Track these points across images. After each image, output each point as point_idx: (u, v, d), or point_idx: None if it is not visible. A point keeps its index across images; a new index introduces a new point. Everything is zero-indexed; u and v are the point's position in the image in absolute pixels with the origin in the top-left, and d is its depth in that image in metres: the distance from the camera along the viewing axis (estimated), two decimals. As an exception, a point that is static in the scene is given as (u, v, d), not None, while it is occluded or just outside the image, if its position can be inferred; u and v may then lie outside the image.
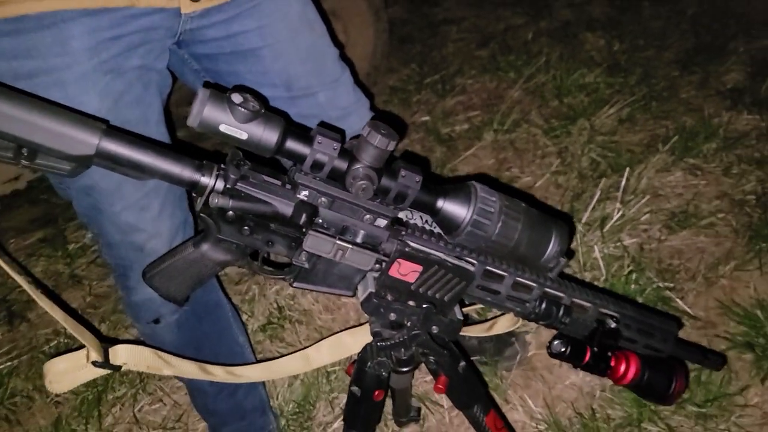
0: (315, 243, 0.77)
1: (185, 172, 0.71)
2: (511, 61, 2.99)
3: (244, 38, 1.02)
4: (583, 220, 1.93)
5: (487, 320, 1.19)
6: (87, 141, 0.66)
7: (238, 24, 1.01)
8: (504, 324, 1.12)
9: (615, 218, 1.90)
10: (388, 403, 1.26)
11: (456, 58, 3.20)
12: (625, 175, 2.04)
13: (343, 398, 1.57)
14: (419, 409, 1.36)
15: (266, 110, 0.69)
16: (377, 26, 2.93)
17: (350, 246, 0.78)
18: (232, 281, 2.00)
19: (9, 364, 1.83)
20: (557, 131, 2.43)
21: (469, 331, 1.16)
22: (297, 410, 1.59)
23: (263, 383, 1.51)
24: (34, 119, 0.63)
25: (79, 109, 0.72)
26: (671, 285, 1.74)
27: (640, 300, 1.67)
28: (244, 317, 1.82)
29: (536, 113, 2.59)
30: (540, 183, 2.21)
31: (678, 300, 1.71)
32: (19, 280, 0.80)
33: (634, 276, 1.72)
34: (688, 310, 1.68)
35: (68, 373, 0.91)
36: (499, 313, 1.09)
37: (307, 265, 0.81)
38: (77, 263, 2.17)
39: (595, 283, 1.74)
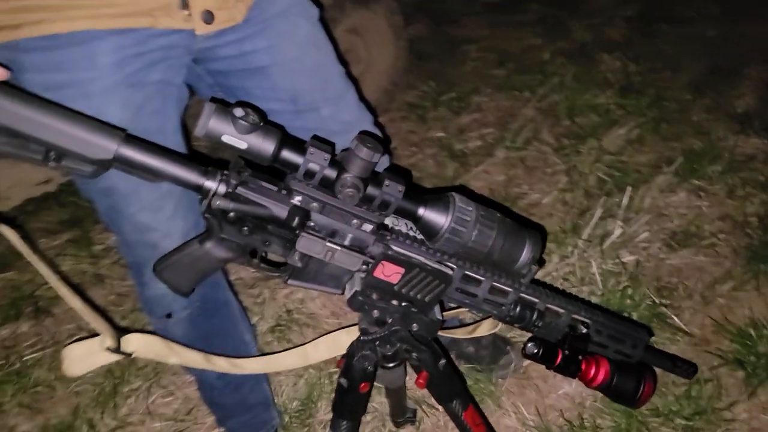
0: (307, 244, 0.85)
1: (192, 177, 0.79)
2: (527, 80, 3.07)
3: (255, 57, 1.12)
4: (584, 237, 1.99)
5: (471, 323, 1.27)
6: (107, 147, 0.75)
7: (250, 44, 1.10)
8: (486, 327, 1.19)
9: (615, 235, 1.96)
10: (386, 403, 1.33)
11: (473, 77, 3.28)
12: (627, 193, 2.09)
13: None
14: (415, 411, 1.42)
15: (265, 123, 0.77)
16: (397, 44, 3.03)
17: (339, 248, 0.86)
18: (246, 285, 2.10)
19: (34, 355, 1.94)
20: (567, 150, 2.50)
21: (454, 333, 1.23)
22: (300, 408, 1.67)
23: (268, 381, 1.59)
24: (62, 126, 0.73)
25: (102, 119, 0.81)
26: (667, 302, 1.79)
27: (634, 315, 1.72)
28: (255, 319, 1.91)
29: (548, 132, 2.66)
30: (547, 200, 2.27)
31: (674, 317, 1.76)
32: (40, 268, 0.89)
33: (629, 291, 1.77)
34: (683, 326, 1.73)
35: (84, 357, 0.99)
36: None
37: (300, 265, 0.89)
38: (101, 263, 2.28)
39: (592, 297, 1.80)
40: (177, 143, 1.11)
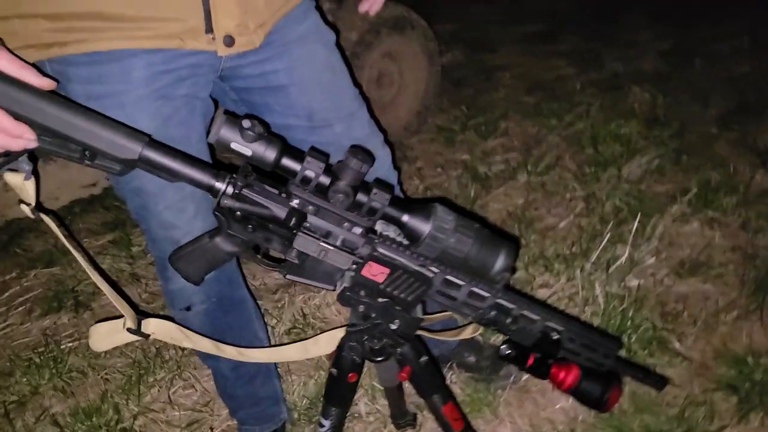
0: (303, 243, 0.96)
1: (204, 178, 0.91)
2: (555, 108, 3.15)
3: (275, 76, 1.24)
4: (592, 260, 2.05)
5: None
6: (133, 149, 0.88)
7: (270, 64, 1.22)
8: (470, 330, 1.27)
9: (621, 260, 2.02)
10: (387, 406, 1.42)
11: (504, 103, 3.38)
12: (637, 219, 2.15)
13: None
14: (415, 415, 1.51)
15: (268, 134, 0.89)
16: (430, 70, 3.15)
17: (331, 247, 0.97)
18: (269, 290, 2.22)
19: (71, 344, 2.09)
20: (587, 177, 2.57)
21: (441, 335, 1.32)
22: (309, 406, 1.77)
23: (279, 378, 1.69)
24: (95, 130, 0.86)
25: (133, 126, 0.94)
26: (670, 327, 1.84)
27: (633, 337, 1.78)
28: (273, 321, 2.03)
29: (570, 158, 2.73)
30: (563, 224, 2.34)
31: (675, 342, 1.80)
32: (76, 254, 1.02)
33: (630, 314, 1.83)
34: (683, 351, 1.77)
35: (108, 335, 1.12)
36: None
37: (297, 261, 1.00)
38: (138, 264, 2.44)
39: (593, 318, 1.86)
40: (201, 151, 1.24)
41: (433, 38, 3.10)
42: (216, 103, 1.31)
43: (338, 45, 1.36)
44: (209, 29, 1.06)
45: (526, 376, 1.75)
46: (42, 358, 2.02)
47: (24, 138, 0.84)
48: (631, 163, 2.59)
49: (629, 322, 1.81)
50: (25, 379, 1.96)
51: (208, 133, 1.28)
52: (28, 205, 0.97)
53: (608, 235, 2.16)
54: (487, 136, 3.04)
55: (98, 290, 2.31)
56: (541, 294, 1.99)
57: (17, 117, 0.84)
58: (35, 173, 0.96)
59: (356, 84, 1.41)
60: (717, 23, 4.02)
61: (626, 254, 2.05)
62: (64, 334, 2.14)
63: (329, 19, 2.58)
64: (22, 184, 0.94)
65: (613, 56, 3.74)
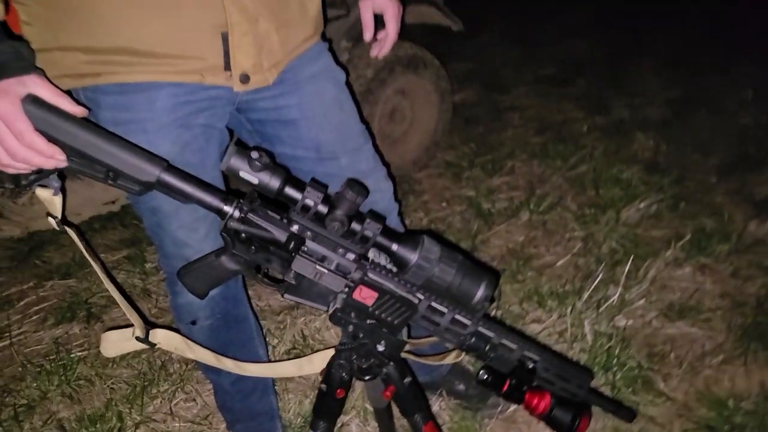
0: (301, 265, 1.05)
1: (214, 201, 1.01)
2: (560, 150, 3.25)
3: (287, 111, 1.35)
4: (584, 298, 2.12)
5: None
6: (152, 172, 0.98)
7: (283, 99, 1.33)
8: (452, 356, 1.35)
9: (611, 300, 2.09)
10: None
11: (512, 142, 3.48)
12: (629, 262, 2.23)
13: (344, 419, 1.82)
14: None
15: (274, 164, 0.99)
16: (442, 107, 3.27)
17: (326, 271, 1.06)
18: (273, 312, 2.31)
19: (80, 353, 2.18)
20: (587, 218, 2.65)
21: (425, 360, 1.39)
22: (303, 424, 1.84)
23: (276, 395, 1.77)
24: (119, 153, 0.96)
25: (154, 151, 1.05)
26: (656, 367, 1.90)
27: (618, 375, 1.84)
28: (274, 341, 2.11)
29: (572, 199, 2.81)
30: (561, 263, 2.42)
31: (660, 382, 1.86)
32: (93, 265, 1.12)
33: (616, 352, 1.89)
34: (667, 392, 1.83)
35: (118, 342, 1.22)
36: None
37: (294, 282, 1.09)
38: (150, 280, 2.55)
39: (581, 354, 1.92)
40: (215, 177, 1.34)
41: (445, 77, 3.22)
42: (231, 132, 1.42)
43: (348, 84, 1.47)
44: (227, 67, 1.17)
45: (513, 407, 1.82)
46: (52, 365, 2.12)
47: (56, 158, 0.95)
48: (630, 207, 2.67)
49: (615, 360, 1.87)
50: (35, 385, 2.05)
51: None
52: (54, 218, 1.06)
53: (601, 276, 2.23)
54: (493, 174, 3.13)
55: (110, 303, 2.42)
56: (533, 329, 2.06)
57: (51, 139, 0.95)
58: (63, 190, 1.07)
59: (363, 120, 1.52)
60: (725, 75, 4.12)
61: (617, 295, 2.12)
62: (74, 343, 2.24)
63: (346, 57, 2.72)
64: (51, 198, 1.04)
65: (620, 102, 3.84)
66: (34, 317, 2.38)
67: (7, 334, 2.29)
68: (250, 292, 1.60)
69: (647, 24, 5.44)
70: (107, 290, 2.32)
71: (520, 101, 4.10)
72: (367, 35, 1.55)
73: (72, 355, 2.17)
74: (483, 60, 4.93)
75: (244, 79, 1.20)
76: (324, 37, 1.44)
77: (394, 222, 1.61)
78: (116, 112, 1.19)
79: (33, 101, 0.94)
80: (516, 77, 4.53)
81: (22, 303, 2.47)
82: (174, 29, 1.11)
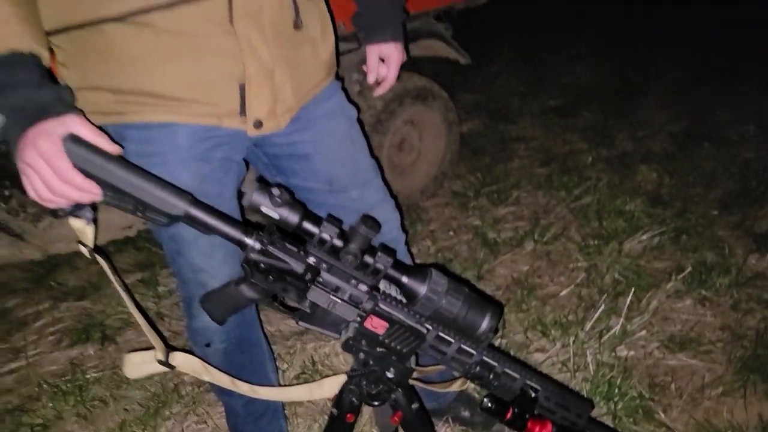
0: (316, 295, 1.12)
1: (236, 234, 1.08)
2: (565, 181, 3.31)
3: (301, 146, 1.42)
4: (586, 329, 2.17)
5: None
6: (179, 206, 1.05)
7: (298, 136, 1.40)
8: (458, 384, 1.41)
9: (614, 331, 2.14)
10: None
11: (518, 172, 3.55)
12: (630, 293, 2.28)
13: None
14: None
15: (293, 201, 1.06)
16: (449, 138, 3.35)
17: (340, 300, 1.12)
18: (283, 337, 2.37)
19: (95, 375, 2.24)
20: (590, 249, 2.70)
21: (432, 387, 1.44)
22: (311, 449, 1.89)
23: (286, 419, 1.82)
24: (151, 189, 1.03)
25: (174, 182, 1.12)
26: (657, 398, 1.95)
27: (620, 405, 1.88)
28: (284, 366, 2.17)
29: (576, 230, 2.87)
30: (564, 293, 2.47)
31: (661, 413, 1.90)
32: (120, 291, 1.18)
33: (618, 382, 1.94)
34: (667, 422, 1.87)
35: (139, 364, 1.27)
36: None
37: (309, 311, 1.15)
38: (163, 303, 2.61)
39: (583, 383, 1.97)
40: (232, 207, 1.42)
41: (453, 109, 3.30)
42: (248, 163, 1.49)
43: (359, 119, 1.55)
44: (243, 113, 1.25)
45: (516, 434, 1.86)
46: (68, 386, 2.18)
47: (92, 193, 1.02)
48: (633, 238, 2.72)
49: (617, 390, 1.92)
50: (50, 405, 2.11)
51: (239, 191, 1.46)
52: (86, 246, 1.13)
53: (604, 306, 2.28)
54: (498, 204, 3.20)
55: (124, 325, 2.48)
56: (536, 358, 2.11)
57: (88, 175, 1.02)
58: (95, 220, 1.14)
59: (372, 154, 1.60)
60: (728, 108, 4.19)
61: (619, 325, 2.17)
62: (89, 364, 2.30)
63: (357, 89, 2.81)
64: (83, 228, 1.11)
65: (624, 134, 3.92)
66: (50, 338, 2.45)
67: (23, 354, 2.35)
68: (260, 317, 1.66)
69: (652, 56, 5.53)
70: (121, 312, 2.40)
71: (526, 132, 4.18)
72: (371, 78, 1.67)
73: (87, 376, 2.22)
74: (490, 90, 5.03)
75: (258, 124, 1.27)
76: (337, 75, 1.53)
77: (401, 251, 1.68)
78: (140, 146, 1.26)
79: (72, 140, 1.01)
80: (522, 108, 4.62)
81: (38, 324, 2.54)
82: (195, 78, 1.19)
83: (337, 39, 1.52)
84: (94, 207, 1.12)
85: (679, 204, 2.99)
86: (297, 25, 1.28)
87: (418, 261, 2.71)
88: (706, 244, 2.67)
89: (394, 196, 1.65)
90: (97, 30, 1.13)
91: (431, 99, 3.17)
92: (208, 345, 1.54)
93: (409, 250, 1.75)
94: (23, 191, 2.06)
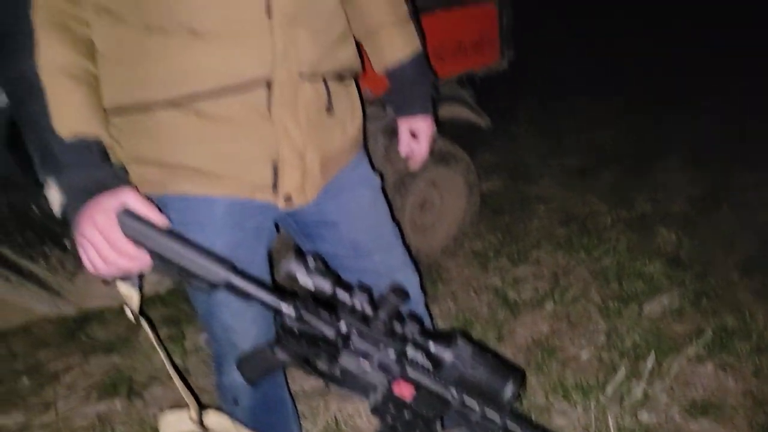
0: (346, 360, 1.17)
1: (273, 302, 1.15)
2: (585, 242, 3.36)
3: (329, 214, 1.50)
4: (608, 393, 2.19)
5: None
6: (221, 275, 1.13)
7: (325, 205, 1.48)
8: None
9: (635, 395, 2.15)
10: None
11: (537, 233, 3.61)
12: (651, 358, 2.30)
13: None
14: None
15: (326, 270, 1.13)
16: (469, 199, 3.43)
17: (369, 365, 1.18)
18: (307, 395, 2.40)
19: (123, 430, 2.29)
20: (610, 311, 2.73)
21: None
22: None
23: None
24: (196, 259, 1.11)
25: (210, 247, 1.19)
26: (678, 463, 1.95)
27: (641, 469, 1.89)
28: (308, 425, 2.20)
29: (596, 292, 2.90)
30: (585, 356, 2.49)
31: (683, 479, 1.91)
32: (160, 351, 1.25)
33: (639, 447, 1.95)
34: (690, 489, 1.88)
35: (174, 423, 1.33)
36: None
37: (339, 375, 1.21)
38: (189, 359, 2.67)
39: (604, 448, 1.98)
40: (263, 270, 1.49)
41: (473, 171, 3.40)
42: (278, 227, 1.57)
43: (383, 190, 1.64)
44: (275, 188, 1.34)
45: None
46: (95, 439, 2.23)
47: (142, 262, 1.10)
48: (653, 301, 2.75)
49: (638, 455, 1.93)
50: (79, 459, 2.15)
51: (269, 253, 1.54)
52: (132, 311, 1.20)
53: (625, 370, 2.30)
54: (518, 264, 3.25)
55: (151, 381, 2.54)
56: (558, 422, 2.13)
57: (139, 245, 1.10)
58: (140, 286, 1.21)
59: (394, 218, 1.68)
60: (748, 172, 4.23)
61: (641, 389, 2.18)
62: (117, 419, 2.35)
63: (382, 152, 2.91)
64: (130, 294, 1.18)
65: (644, 196, 3.96)
66: (80, 392, 2.51)
67: (54, 408, 2.41)
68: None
69: (672, 118, 5.61)
70: (149, 368, 2.46)
71: (545, 192, 4.24)
72: (403, 152, 1.75)
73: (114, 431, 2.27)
74: (510, 150, 5.12)
75: (288, 198, 1.36)
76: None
77: (421, 311, 1.74)
78: (181, 215, 1.34)
79: (126, 212, 1.09)
80: (542, 167, 4.70)
81: (67, 377, 2.60)
82: (233, 157, 1.29)
83: (365, 110, 1.62)
84: (140, 273, 1.20)
85: (699, 267, 3.01)
86: (329, 110, 1.38)
87: (439, 321, 2.76)
88: (726, 308, 2.68)
89: (413, 257, 1.72)
90: (149, 112, 1.23)
91: (453, 162, 3.27)
92: (236, 402, 1.59)
93: (429, 310, 1.80)
94: (64, 250, 2.18)
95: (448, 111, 3.32)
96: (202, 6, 1.17)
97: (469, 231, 3.50)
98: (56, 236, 2.14)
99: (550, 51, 7.56)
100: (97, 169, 1.11)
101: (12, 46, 1.10)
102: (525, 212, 3.93)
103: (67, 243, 2.19)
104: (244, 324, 1.49)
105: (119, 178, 1.14)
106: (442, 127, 3.35)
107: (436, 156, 3.14)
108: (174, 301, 3.01)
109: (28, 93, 1.10)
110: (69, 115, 1.10)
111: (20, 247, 2.10)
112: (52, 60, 1.09)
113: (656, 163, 4.62)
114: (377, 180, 1.63)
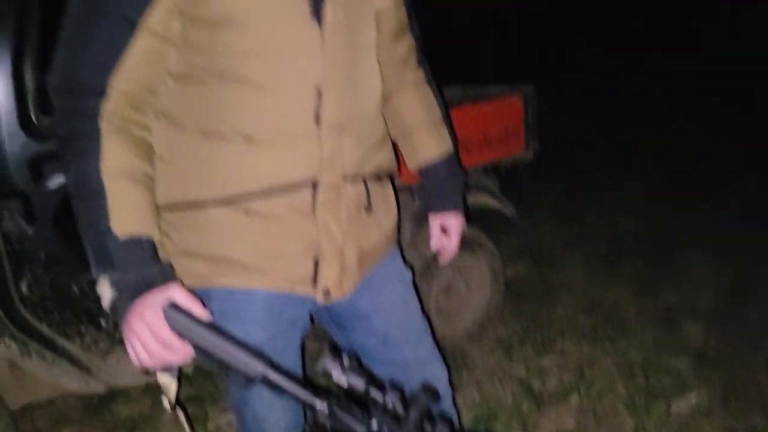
0: (376, 457, 1.20)
1: (308, 397, 1.18)
2: (610, 333, 3.34)
3: (361, 307, 1.55)
4: (636, 495, 2.14)
5: None
6: (258, 369, 1.17)
7: (359, 297, 1.53)
8: None
9: (664, 498, 2.10)
10: None
11: (562, 321, 3.59)
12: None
13: None
14: None
15: (360, 367, 1.17)
16: (494, 286, 3.47)
17: (398, 464, 1.20)
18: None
19: None
20: (637, 408, 2.69)
21: None
22: None
23: None
24: (235, 353, 1.16)
25: (247, 337, 1.23)
26: None
27: None
28: None
29: (622, 386, 2.87)
30: (612, 455, 2.45)
31: None
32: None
33: None
34: None
35: None
36: None
37: (369, 472, 1.22)
38: (213, 440, 2.68)
39: None
40: (296, 359, 1.54)
41: (498, 258, 3.45)
42: (312, 318, 1.62)
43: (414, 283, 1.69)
44: (314, 283, 1.40)
45: None
46: None
47: (186, 355, 1.15)
48: (681, 398, 2.71)
49: None
50: None
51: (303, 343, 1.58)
52: (169, 401, 1.24)
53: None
54: (543, 353, 3.23)
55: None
56: None
57: (182, 337, 1.15)
58: (179, 378, 1.26)
59: (424, 311, 1.72)
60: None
61: (669, 493, 2.14)
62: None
63: (409, 239, 2.97)
64: (169, 384, 1.23)
65: (669, 287, 3.94)
66: (101, 471, 2.51)
67: (75, 486, 2.42)
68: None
69: (694, 207, 5.62)
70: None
71: (569, 279, 4.24)
72: (434, 246, 1.81)
73: None
74: (534, 237, 5.15)
75: (326, 292, 1.42)
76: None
77: (449, 407, 1.76)
78: (222, 305, 1.40)
79: (172, 307, 1.15)
80: (566, 254, 4.71)
81: (90, 455, 2.62)
82: (276, 252, 1.36)
83: (399, 205, 1.69)
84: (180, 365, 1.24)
85: (726, 364, 2.97)
86: (367, 208, 1.45)
87: (464, 411, 2.74)
88: (756, 408, 2.63)
89: (440, 348, 1.75)
90: (201, 209, 1.31)
91: (479, 249, 3.32)
92: (261, 487, 1.60)
93: (456, 405, 1.81)
94: (98, 328, 2.23)
95: (473, 199, 3.39)
96: (257, 116, 1.27)
97: (494, 317, 3.50)
98: (92, 314, 2.20)
99: (572, 139, 7.70)
100: (148, 268, 1.17)
101: (79, 148, 1.20)
102: (549, 299, 3.93)
103: (102, 321, 2.25)
104: (275, 414, 1.53)
105: (167, 274, 1.20)
106: (468, 215, 3.44)
107: (461, 244, 3.19)
108: (199, 381, 3.03)
109: (90, 192, 1.19)
110: (126, 216, 1.18)
111: (57, 325, 2.16)
112: (115, 164, 1.18)
113: (680, 253, 4.61)
114: (409, 274, 1.69)
